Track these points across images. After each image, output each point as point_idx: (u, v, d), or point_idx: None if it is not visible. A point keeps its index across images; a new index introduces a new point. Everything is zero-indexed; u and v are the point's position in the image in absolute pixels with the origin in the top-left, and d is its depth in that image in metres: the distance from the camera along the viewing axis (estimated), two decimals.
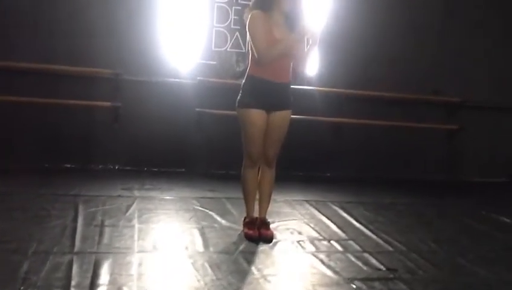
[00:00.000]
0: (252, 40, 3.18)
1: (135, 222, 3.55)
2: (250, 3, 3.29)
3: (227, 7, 5.30)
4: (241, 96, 3.31)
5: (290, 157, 4.32)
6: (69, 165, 5.06)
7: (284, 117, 3.34)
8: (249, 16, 3.19)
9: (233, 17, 5.29)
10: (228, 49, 5.33)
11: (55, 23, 4.87)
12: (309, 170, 5.61)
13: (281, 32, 3.20)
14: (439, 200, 5.10)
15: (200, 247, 3.18)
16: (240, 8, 5.18)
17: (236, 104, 3.32)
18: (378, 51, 5.58)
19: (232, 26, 5.30)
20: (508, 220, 4.41)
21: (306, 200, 4.45)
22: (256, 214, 3.51)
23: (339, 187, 5.18)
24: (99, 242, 3.11)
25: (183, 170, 5.34)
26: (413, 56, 5.75)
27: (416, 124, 5.84)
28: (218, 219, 3.76)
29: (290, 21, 3.24)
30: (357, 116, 5.62)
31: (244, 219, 3.54)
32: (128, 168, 5.20)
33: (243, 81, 3.35)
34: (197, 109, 5.22)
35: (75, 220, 3.47)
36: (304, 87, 5.21)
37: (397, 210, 4.46)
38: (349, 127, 5.69)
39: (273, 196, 3.59)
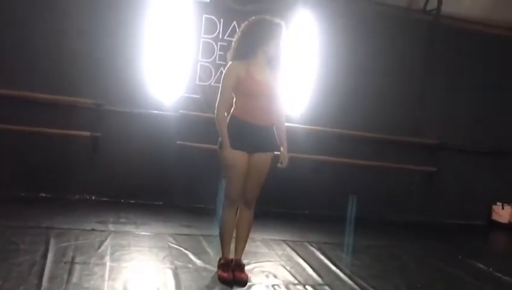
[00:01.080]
0: (219, 91, 3.22)
1: (107, 259, 3.46)
2: (233, 46, 3.29)
3: (213, 42, 5.35)
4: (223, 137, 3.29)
5: (270, 194, 4.29)
6: (44, 195, 4.96)
7: (265, 160, 3.32)
8: (227, 66, 3.23)
9: (218, 52, 5.35)
10: (212, 84, 5.35)
11: (36, 50, 4.84)
12: (288, 207, 5.60)
13: (262, 74, 3.22)
14: (416, 243, 5.11)
15: None
16: (225, 44, 5.23)
17: (218, 145, 3.30)
18: (360, 92, 5.68)
19: (217, 62, 5.34)
20: (484, 267, 4.41)
21: (283, 240, 4.41)
22: (232, 254, 3.47)
23: (317, 226, 5.16)
24: (67, 281, 3.01)
25: (161, 202, 5.27)
26: (394, 98, 5.86)
27: (396, 165, 5.90)
28: (193, 258, 3.69)
29: (273, 62, 3.28)
30: (337, 154, 5.65)
31: (219, 260, 3.48)
32: (105, 199, 5.12)
33: (227, 121, 3.34)
34: (178, 142, 5.19)
35: (44, 255, 3.37)
36: (287, 124, 5.22)
37: (374, 253, 4.44)
38: (329, 166, 5.71)
39: (250, 235, 3.54)
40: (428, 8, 6.04)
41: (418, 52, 6.00)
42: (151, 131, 5.15)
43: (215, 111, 3.24)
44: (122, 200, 5.14)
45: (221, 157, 3.29)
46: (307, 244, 4.39)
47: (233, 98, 3.26)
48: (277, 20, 3.22)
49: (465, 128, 6.11)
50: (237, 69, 3.19)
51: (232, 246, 3.47)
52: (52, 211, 4.43)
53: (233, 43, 3.30)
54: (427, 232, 5.71)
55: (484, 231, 6.20)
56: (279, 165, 3.37)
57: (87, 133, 4.97)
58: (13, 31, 4.80)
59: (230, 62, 3.24)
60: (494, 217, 6.36)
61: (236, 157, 3.23)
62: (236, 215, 3.43)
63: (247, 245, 3.53)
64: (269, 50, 3.19)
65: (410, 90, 5.99)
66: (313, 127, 5.56)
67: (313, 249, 4.28)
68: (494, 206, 6.38)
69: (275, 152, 3.38)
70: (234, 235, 3.46)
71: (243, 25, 3.29)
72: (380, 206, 5.86)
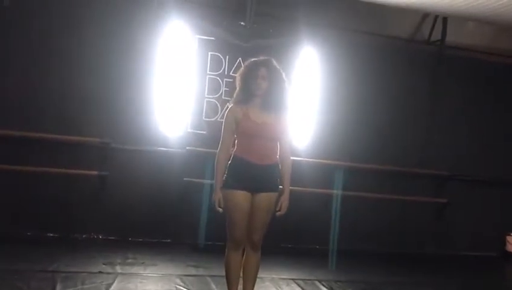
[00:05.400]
0: (221, 134, 3.24)
1: None
2: (236, 87, 3.30)
3: (219, 79, 5.39)
4: (225, 177, 3.26)
5: (278, 228, 4.21)
6: (51, 234, 4.94)
7: (268, 200, 3.25)
8: (227, 109, 3.25)
9: (224, 88, 5.37)
10: (218, 119, 5.35)
11: (42, 90, 4.90)
12: (298, 242, 5.52)
13: (260, 115, 3.19)
14: (429, 278, 4.96)
15: None
16: (230, 80, 5.25)
17: (220, 185, 3.27)
18: (367, 124, 5.67)
19: (223, 97, 5.36)
20: None
21: (293, 279, 4.31)
22: None
23: (327, 262, 5.05)
24: None
25: (169, 240, 5.22)
26: (401, 130, 5.85)
27: (406, 197, 5.82)
28: None
29: (267, 101, 3.23)
30: (347, 188, 5.59)
31: None
32: (112, 238, 5.08)
33: (229, 161, 3.32)
34: (185, 179, 5.17)
35: None
36: (293, 158, 5.19)
37: None
38: (339, 199, 5.63)
39: (259, 274, 3.44)
40: (433, 38, 6.06)
41: (424, 82, 6.00)
42: (158, 168, 5.15)
43: (216, 154, 3.23)
44: (130, 239, 5.10)
45: (223, 197, 3.23)
46: (317, 283, 4.28)
47: (234, 140, 3.24)
48: (256, 59, 3.22)
49: (475, 159, 6.04)
50: (234, 111, 3.21)
51: (240, 287, 3.39)
52: (58, 253, 4.38)
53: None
54: (440, 265, 5.56)
55: (498, 263, 6.04)
56: (277, 214, 3.29)
57: (95, 172, 4.97)
58: (19, 71, 4.87)
59: (230, 106, 3.25)
60: (509, 248, 6.20)
61: (238, 197, 3.17)
62: (242, 256, 3.36)
63: (255, 286, 3.44)
64: (253, 90, 3.19)
65: (418, 121, 5.96)
66: (320, 161, 5.52)
67: (324, 288, 4.18)
68: (508, 237, 6.23)
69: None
70: (241, 275, 3.38)
71: None
72: (391, 239, 5.76)
